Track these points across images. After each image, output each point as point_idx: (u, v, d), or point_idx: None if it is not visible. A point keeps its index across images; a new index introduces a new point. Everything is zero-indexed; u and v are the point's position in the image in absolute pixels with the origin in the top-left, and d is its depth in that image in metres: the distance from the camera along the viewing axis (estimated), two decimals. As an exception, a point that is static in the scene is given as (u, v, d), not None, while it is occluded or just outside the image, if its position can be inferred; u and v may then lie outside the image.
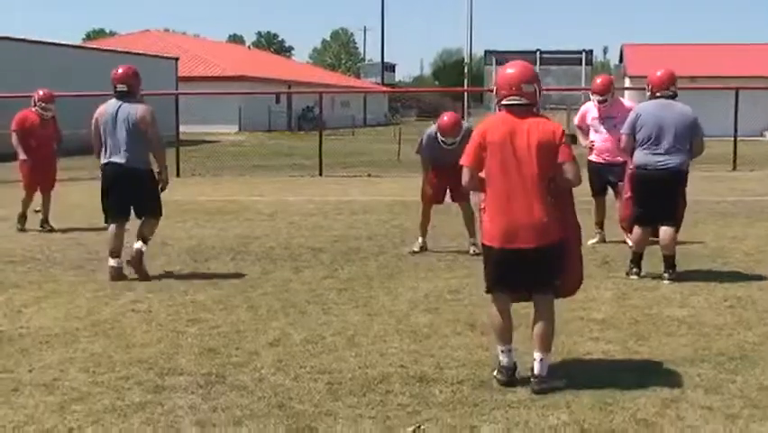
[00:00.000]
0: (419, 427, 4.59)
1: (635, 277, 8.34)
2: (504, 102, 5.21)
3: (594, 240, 10.34)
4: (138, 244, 8.58)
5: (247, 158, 26.07)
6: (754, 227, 11.90)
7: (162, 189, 8.68)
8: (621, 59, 57.18)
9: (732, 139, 23.33)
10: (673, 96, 8.32)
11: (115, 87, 8.55)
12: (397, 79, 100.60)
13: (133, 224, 8.83)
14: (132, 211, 8.69)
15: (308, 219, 13.11)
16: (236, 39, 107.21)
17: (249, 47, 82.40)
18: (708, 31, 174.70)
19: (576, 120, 10.95)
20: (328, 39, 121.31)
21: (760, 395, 5.05)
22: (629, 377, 5.36)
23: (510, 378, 5.24)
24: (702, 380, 5.33)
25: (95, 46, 49.23)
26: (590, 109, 10.49)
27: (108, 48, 43.30)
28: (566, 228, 5.26)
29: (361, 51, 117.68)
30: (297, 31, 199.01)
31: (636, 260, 8.43)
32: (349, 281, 8.34)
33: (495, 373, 5.33)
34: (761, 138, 43.12)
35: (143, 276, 8.46)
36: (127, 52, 39.53)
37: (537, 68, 51.59)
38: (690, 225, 11.72)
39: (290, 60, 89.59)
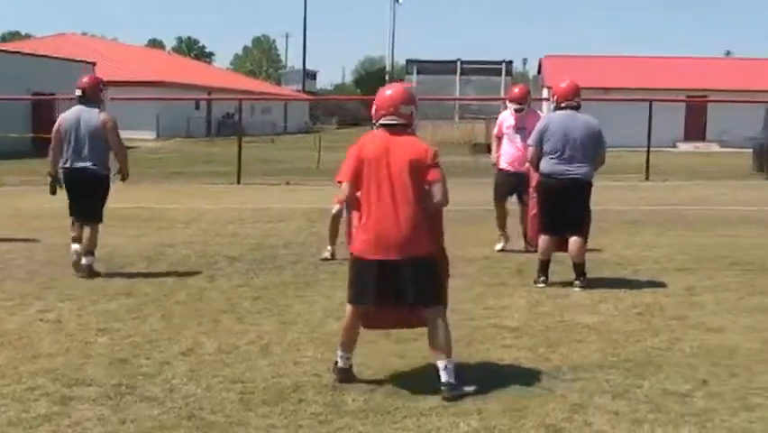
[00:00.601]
0: (331, 435, 4.59)
1: (541, 285, 8.46)
2: (382, 121, 5.40)
3: (500, 244, 10.46)
4: (86, 260, 8.83)
5: (164, 165, 25.79)
6: (664, 236, 12.19)
7: (123, 179, 9.26)
8: (540, 71, 58.13)
9: (645, 150, 23.87)
10: (577, 108, 8.51)
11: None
12: (318, 87, 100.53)
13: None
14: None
15: (225, 227, 13.00)
16: (156, 44, 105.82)
17: (168, 52, 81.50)
18: (623, 44, 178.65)
19: (495, 129, 11.04)
20: (249, 45, 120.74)
21: (665, 400, 5.18)
22: (539, 383, 5.46)
23: (345, 377, 5.46)
24: (610, 385, 5.45)
25: (6, 48, 48.04)
26: (507, 118, 10.63)
27: (16, 50, 42.36)
28: (436, 249, 5.43)
29: (283, 58, 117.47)
30: (218, 37, 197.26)
31: (543, 268, 8.55)
32: (264, 290, 8.29)
33: (332, 371, 5.55)
34: (672, 149, 44.23)
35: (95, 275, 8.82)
36: (40, 56, 38.76)
37: (458, 77, 52.52)
38: (602, 233, 11.99)
39: (210, 66, 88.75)
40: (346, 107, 76.90)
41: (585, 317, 7.28)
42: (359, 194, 5.37)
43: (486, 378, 5.51)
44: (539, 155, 8.45)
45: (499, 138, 10.80)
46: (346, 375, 5.49)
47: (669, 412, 4.96)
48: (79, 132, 8.77)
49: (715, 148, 46.32)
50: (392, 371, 5.70)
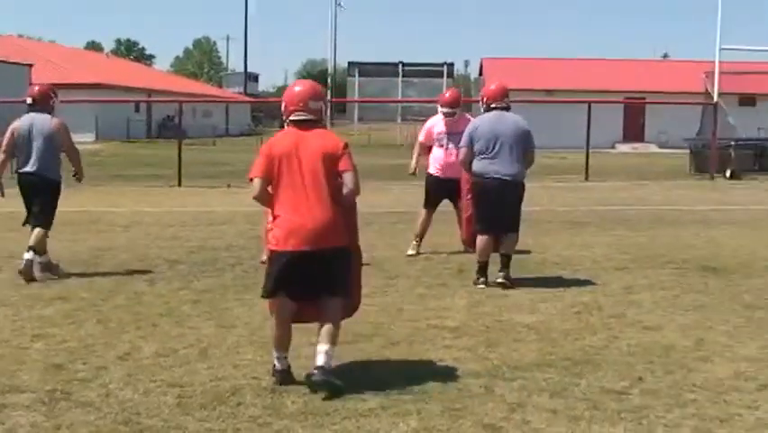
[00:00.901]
0: (269, 438, 4.55)
1: (481, 286, 8.50)
2: (291, 117, 5.49)
3: (412, 250, 10.41)
4: (27, 255, 8.82)
5: (104, 168, 25.39)
6: (603, 236, 12.35)
7: (79, 180, 9.48)
8: (481, 72, 58.53)
9: (585, 151, 24.18)
10: (507, 109, 8.64)
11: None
12: (260, 89, 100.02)
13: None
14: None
15: (165, 230, 12.87)
16: (94, 46, 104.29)
17: (107, 54, 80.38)
18: (565, 46, 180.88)
19: (421, 136, 10.70)
20: (191, 47, 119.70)
21: (602, 397, 5.23)
22: (479, 383, 5.47)
23: (284, 379, 5.45)
24: (548, 384, 5.49)
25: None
26: (437, 123, 10.38)
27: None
28: (349, 242, 5.51)
29: (225, 61, 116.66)
30: (158, 39, 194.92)
31: (482, 269, 8.61)
32: (204, 293, 8.22)
33: (271, 374, 5.52)
34: (612, 150, 44.88)
35: (31, 279, 8.78)
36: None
37: (400, 79, 52.70)
38: (543, 233, 12.15)
39: (150, 69, 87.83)
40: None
41: (524, 316, 7.34)
42: (270, 190, 5.44)
43: (426, 378, 5.52)
44: (470, 157, 8.54)
45: (423, 144, 10.51)
46: (285, 377, 5.47)
47: (606, 409, 5.02)
48: (32, 138, 8.99)
49: (653, 149, 47.15)
50: (332, 372, 5.66)
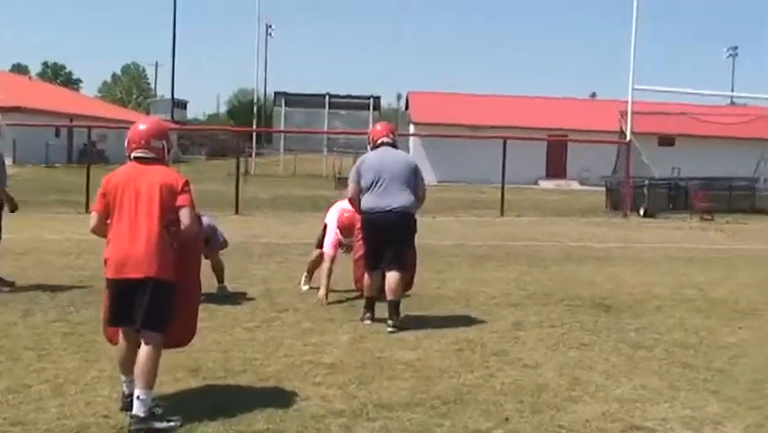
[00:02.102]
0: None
1: (368, 321, 8.31)
2: (133, 154, 5.54)
3: (305, 286, 10.22)
4: None
5: (16, 192, 24.59)
6: (506, 271, 12.30)
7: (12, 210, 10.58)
8: (407, 107, 58.71)
9: (507, 186, 24.27)
10: (393, 145, 8.57)
11: None
12: (190, 117, 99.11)
13: None
14: None
15: (60, 259, 12.49)
16: (20, 69, 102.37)
17: (29, 77, 78.89)
18: (498, 83, 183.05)
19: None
20: (119, 73, 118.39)
21: (462, 439, 5.09)
22: (339, 423, 5.30)
23: (130, 405, 5.24)
24: (411, 424, 5.33)
25: None
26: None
27: None
28: (183, 277, 5.47)
29: (153, 87, 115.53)
30: (86, 63, 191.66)
31: (369, 305, 8.42)
32: (79, 325, 7.90)
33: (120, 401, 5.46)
34: (535, 186, 45.33)
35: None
36: None
37: (326, 111, 52.68)
38: (446, 267, 12.07)
39: (75, 93, 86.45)
40: (218, 138, 75.93)
41: (405, 353, 7.18)
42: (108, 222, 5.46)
43: (286, 418, 5.34)
44: (358, 191, 8.39)
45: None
46: (130, 403, 5.26)
47: (463, 452, 4.88)
48: None
49: (575, 186, 47.72)
50: (194, 409, 5.43)
